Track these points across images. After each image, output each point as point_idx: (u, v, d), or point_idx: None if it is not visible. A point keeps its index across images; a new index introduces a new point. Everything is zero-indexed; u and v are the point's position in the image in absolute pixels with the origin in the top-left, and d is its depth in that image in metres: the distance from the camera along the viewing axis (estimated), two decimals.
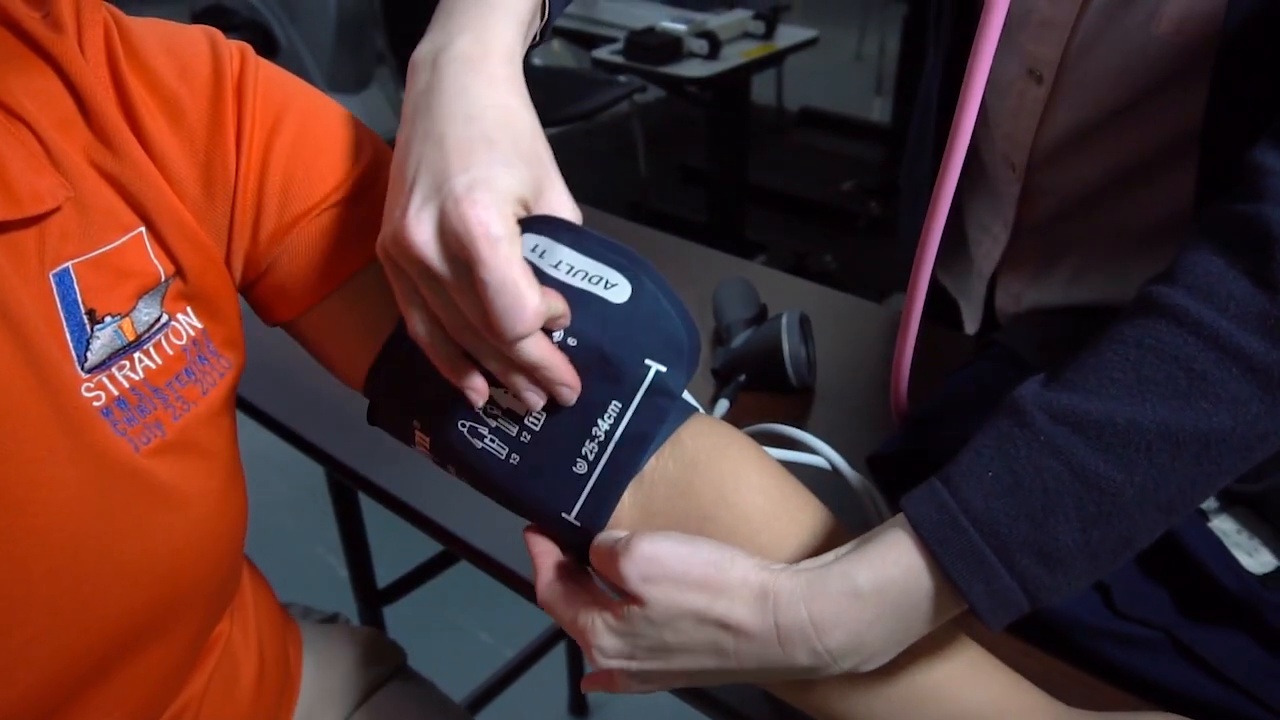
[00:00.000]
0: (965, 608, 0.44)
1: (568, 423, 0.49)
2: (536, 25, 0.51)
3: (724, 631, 0.44)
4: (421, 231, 0.41)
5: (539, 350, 0.44)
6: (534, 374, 0.45)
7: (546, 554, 0.51)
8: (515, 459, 0.49)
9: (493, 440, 0.49)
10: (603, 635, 0.46)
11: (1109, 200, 0.74)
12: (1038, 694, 0.48)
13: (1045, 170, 0.75)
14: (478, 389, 0.46)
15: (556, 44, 3.59)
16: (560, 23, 1.70)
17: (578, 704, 1.66)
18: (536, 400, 0.47)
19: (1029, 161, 0.75)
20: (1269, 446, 0.43)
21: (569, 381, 0.46)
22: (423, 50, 0.47)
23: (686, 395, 0.52)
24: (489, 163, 0.41)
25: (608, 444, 0.48)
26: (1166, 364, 0.43)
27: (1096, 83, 0.67)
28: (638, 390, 0.48)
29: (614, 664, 0.46)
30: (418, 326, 0.45)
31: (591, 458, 0.49)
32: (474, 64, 0.44)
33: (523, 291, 0.40)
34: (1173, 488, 0.42)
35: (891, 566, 0.44)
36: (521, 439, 0.49)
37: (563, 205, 0.45)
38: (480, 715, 1.46)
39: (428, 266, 0.41)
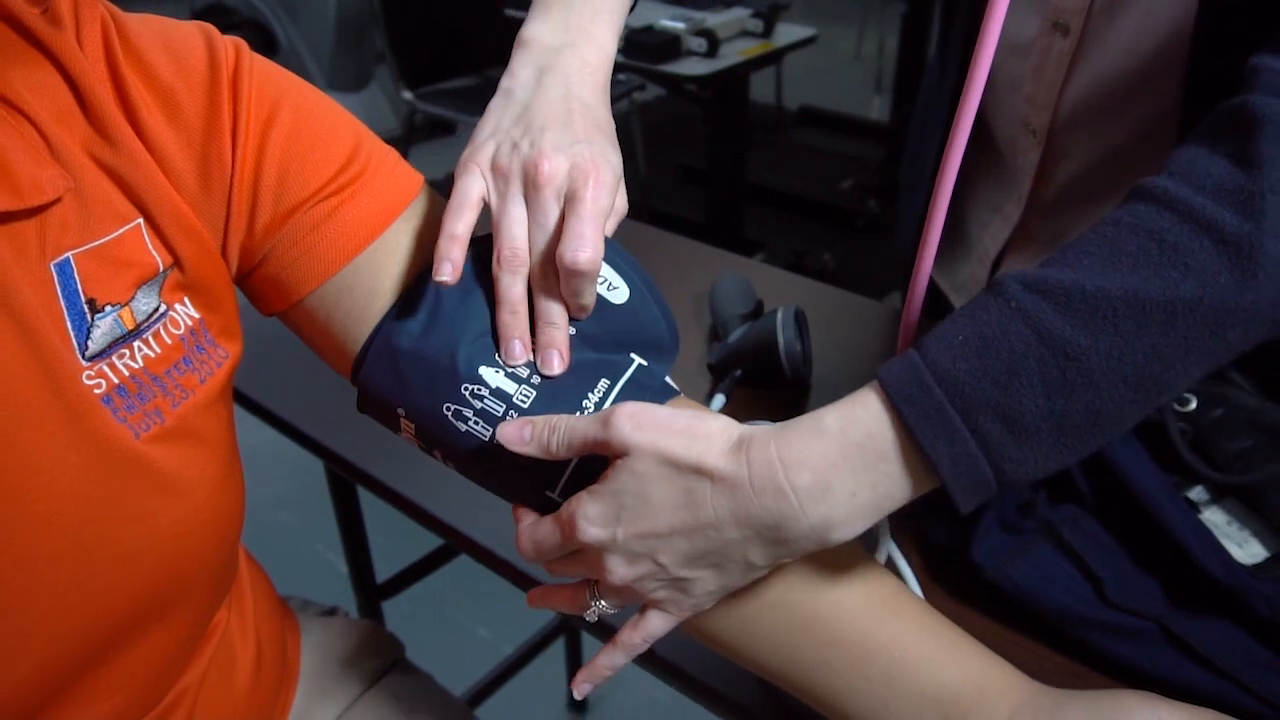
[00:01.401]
0: (935, 482, 0.45)
1: (558, 397, 0.51)
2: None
3: (700, 477, 0.46)
4: (557, 163, 0.51)
5: (555, 309, 0.52)
6: (540, 327, 0.52)
7: (528, 512, 0.53)
8: None
9: (476, 423, 0.51)
10: (587, 503, 0.48)
11: (1122, 172, 0.74)
12: (1015, 673, 0.49)
13: (1067, 132, 0.75)
14: (455, 261, 0.50)
15: None
16: None
17: (576, 700, 1.66)
18: (520, 351, 0.52)
19: (1052, 125, 0.75)
20: (1237, 325, 0.42)
21: (562, 349, 0.52)
22: (542, 35, 0.57)
23: (668, 380, 0.55)
24: (604, 143, 0.54)
25: None
26: (1140, 237, 0.44)
27: (1120, 32, 0.68)
28: (623, 374, 0.53)
29: (599, 533, 0.47)
30: (461, 220, 0.52)
31: None
32: (592, 69, 0.57)
33: (600, 232, 0.50)
34: (1139, 357, 0.42)
35: (860, 409, 0.45)
36: (508, 419, 0.51)
37: (622, 197, 0.55)
38: (479, 710, 1.46)
39: (541, 187, 0.51)
